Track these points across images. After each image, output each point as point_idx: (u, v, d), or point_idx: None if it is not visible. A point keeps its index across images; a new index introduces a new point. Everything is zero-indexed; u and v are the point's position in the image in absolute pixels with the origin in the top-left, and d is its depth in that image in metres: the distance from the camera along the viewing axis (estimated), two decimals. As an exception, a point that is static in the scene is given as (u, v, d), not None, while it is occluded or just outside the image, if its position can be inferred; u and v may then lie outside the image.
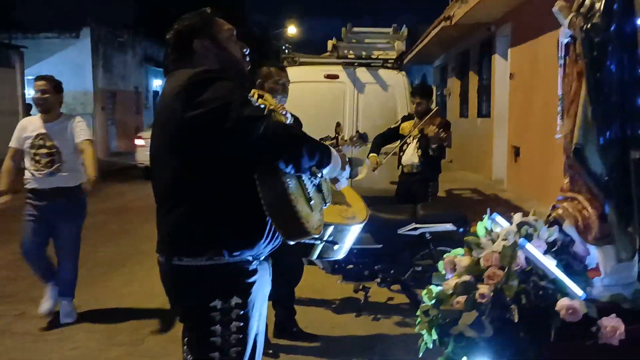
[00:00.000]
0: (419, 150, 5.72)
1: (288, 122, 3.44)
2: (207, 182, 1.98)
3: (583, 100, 2.32)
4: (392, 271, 4.69)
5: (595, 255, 2.38)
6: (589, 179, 2.35)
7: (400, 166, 5.94)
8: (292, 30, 30.38)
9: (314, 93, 6.54)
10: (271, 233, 2.08)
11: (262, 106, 2.90)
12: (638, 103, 2.27)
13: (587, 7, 2.31)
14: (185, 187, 2.01)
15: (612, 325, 2.11)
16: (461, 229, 4.53)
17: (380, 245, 4.61)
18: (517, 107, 10.44)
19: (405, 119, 5.94)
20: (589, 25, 2.27)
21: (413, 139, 5.78)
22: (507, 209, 9.02)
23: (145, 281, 5.63)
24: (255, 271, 2.10)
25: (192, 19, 2.18)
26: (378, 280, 4.71)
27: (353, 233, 2.82)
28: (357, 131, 3.12)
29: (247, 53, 2.27)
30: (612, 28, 2.23)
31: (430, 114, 5.67)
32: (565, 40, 2.45)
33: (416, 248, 4.70)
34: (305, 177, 2.10)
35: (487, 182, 11.89)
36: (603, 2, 2.23)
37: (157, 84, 26.21)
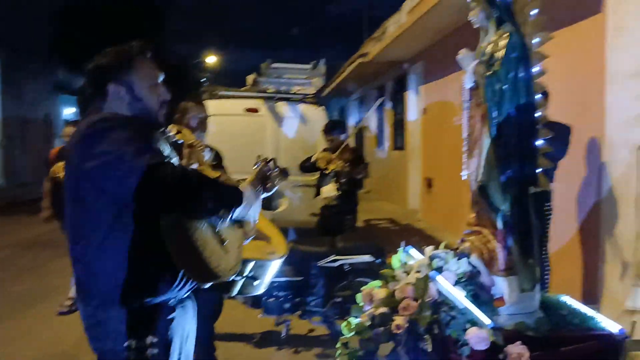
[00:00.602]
0: (337, 184, 5.84)
1: (206, 158, 3.45)
2: (110, 231, 1.93)
3: (486, 141, 2.51)
4: (312, 303, 4.74)
5: (500, 286, 2.54)
6: (493, 214, 2.53)
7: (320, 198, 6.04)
8: (211, 60, 30.20)
9: (234, 126, 6.57)
10: (185, 277, 2.05)
11: (180, 142, 2.90)
12: (534, 144, 2.48)
13: (488, 55, 2.52)
14: (89, 235, 1.95)
15: (518, 352, 2.26)
16: (379, 260, 4.67)
17: (301, 278, 4.65)
18: (429, 141, 10.93)
19: (325, 151, 6.08)
20: (490, 73, 2.48)
21: (329, 174, 5.90)
22: (421, 238, 9.35)
23: (56, 322, 5.35)
24: (172, 309, 2.08)
25: (114, 57, 2.09)
26: (299, 312, 4.74)
27: (273, 268, 2.85)
28: (278, 166, 3.15)
29: (165, 102, 2.19)
30: (511, 75, 2.44)
31: (340, 149, 5.84)
32: (469, 85, 2.65)
33: (336, 280, 4.78)
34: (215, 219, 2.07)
35: (403, 212, 12.28)
36: (502, 51, 2.44)
37: (68, 112, 25.20)
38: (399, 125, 13.56)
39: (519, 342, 2.30)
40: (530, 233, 2.53)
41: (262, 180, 2.31)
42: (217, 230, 2.03)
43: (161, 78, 2.20)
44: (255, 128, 6.84)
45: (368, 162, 5.99)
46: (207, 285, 2.06)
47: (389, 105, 14.50)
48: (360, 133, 19.13)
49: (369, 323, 2.57)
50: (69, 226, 2.03)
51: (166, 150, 2.13)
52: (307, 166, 6.01)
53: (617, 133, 4.56)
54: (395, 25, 12.14)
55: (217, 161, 3.86)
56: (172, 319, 2.07)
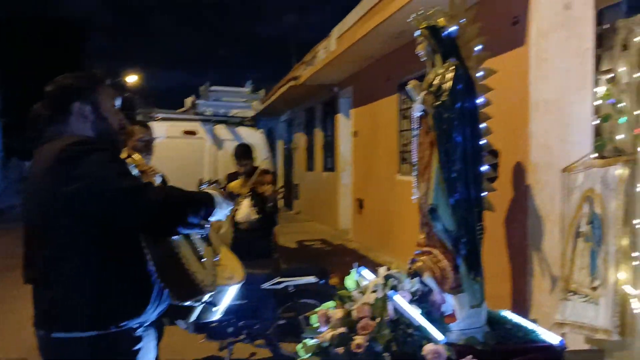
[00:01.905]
0: (255, 207, 5.78)
1: (157, 182, 3.43)
2: (88, 255, 1.92)
3: (435, 166, 2.67)
4: (256, 326, 4.73)
5: (450, 303, 2.69)
6: (442, 234, 2.68)
7: (235, 224, 5.87)
8: (132, 78, 29.46)
9: (172, 149, 6.50)
10: (159, 297, 2.06)
11: (132, 166, 2.89)
12: (480, 170, 2.66)
13: (436, 86, 2.70)
14: (65, 261, 1.92)
15: (469, 365, 2.40)
16: (322, 281, 4.74)
17: (245, 301, 4.64)
18: (360, 163, 11.21)
19: (231, 177, 6.01)
20: (438, 103, 2.65)
21: (245, 198, 5.81)
22: (354, 258, 9.53)
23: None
24: (140, 338, 2.06)
25: (79, 79, 2.10)
26: (242, 336, 4.71)
27: (231, 293, 2.86)
28: (224, 188, 3.16)
29: (123, 128, 2.23)
30: (457, 105, 2.63)
31: (257, 172, 5.80)
32: (418, 114, 2.81)
33: (280, 302, 4.80)
34: (193, 234, 2.11)
35: (335, 233, 12.45)
36: (449, 83, 2.62)
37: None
38: (330, 147, 13.80)
39: (470, 356, 2.44)
40: (477, 253, 2.70)
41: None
42: (194, 246, 2.05)
43: (118, 102, 2.22)
44: (194, 151, 6.79)
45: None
46: (186, 303, 2.05)
47: (319, 127, 14.73)
48: (289, 154, 19.26)
49: (327, 344, 2.63)
50: (35, 252, 1.99)
51: (134, 172, 2.15)
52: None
53: (541, 157, 4.90)
54: (325, 50, 12.44)
55: (164, 185, 3.83)
56: (139, 349, 2.05)
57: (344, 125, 12.39)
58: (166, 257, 1.92)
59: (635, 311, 3.03)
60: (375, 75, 9.89)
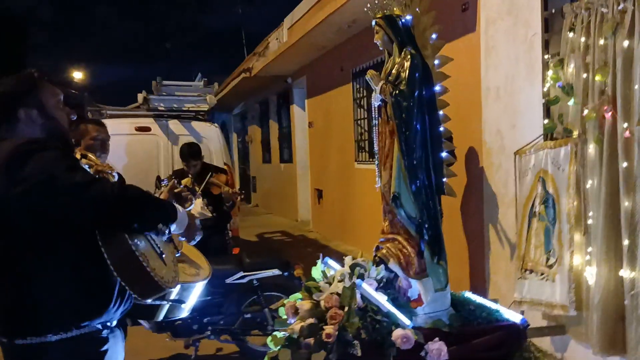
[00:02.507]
0: (209, 206, 5.58)
1: (115, 180, 3.36)
2: (44, 255, 1.88)
3: (396, 154, 2.71)
4: (221, 322, 4.71)
5: (416, 288, 2.75)
6: (406, 221, 2.73)
7: None
8: (77, 75, 28.61)
9: (125, 146, 6.34)
10: (120, 296, 2.03)
11: (87, 167, 2.82)
12: (439, 156, 2.72)
13: (394, 75, 2.73)
14: (21, 263, 1.88)
15: (437, 348, 2.47)
16: (286, 273, 4.75)
17: (209, 297, 4.61)
18: (317, 153, 11.23)
19: (177, 174, 5.65)
20: (397, 92, 2.69)
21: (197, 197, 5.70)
22: (315, 248, 9.57)
23: None
24: (106, 340, 2.03)
25: (17, 83, 2.03)
26: (208, 332, 4.68)
27: (198, 289, 2.85)
28: (186, 185, 3.10)
29: (73, 119, 2.18)
30: (416, 94, 2.67)
31: (210, 174, 5.60)
32: (377, 104, 2.84)
33: (244, 296, 4.79)
34: (152, 233, 2.07)
35: (294, 224, 12.47)
36: (407, 72, 2.66)
37: None
38: (286, 139, 13.77)
39: (437, 339, 2.51)
40: (440, 237, 2.76)
41: (177, 199, 2.31)
42: (153, 243, 2.02)
43: (61, 95, 2.15)
44: (149, 147, 6.65)
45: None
46: (148, 301, 2.03)
47: (274, 119, 14.68)
48: (245, 147, 19.14)
49: (297, 335, 2.64)
50: None
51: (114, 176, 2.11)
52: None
53: (493, 142, 5.03)
54: (276, 41, 12.36)
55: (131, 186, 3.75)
56: (105, 351, 2.02)
57: (299, 116, 12.38)
58: (123, 255, 1.87)
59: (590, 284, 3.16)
60: (328, 65, 9.91)
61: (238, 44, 19.06)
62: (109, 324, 2.04)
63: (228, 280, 4.67)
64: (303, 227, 11.96)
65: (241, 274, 4.70)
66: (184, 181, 5.52)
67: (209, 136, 6.90)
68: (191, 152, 5.68)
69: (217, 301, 4.69)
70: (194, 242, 2.28)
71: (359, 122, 8.76)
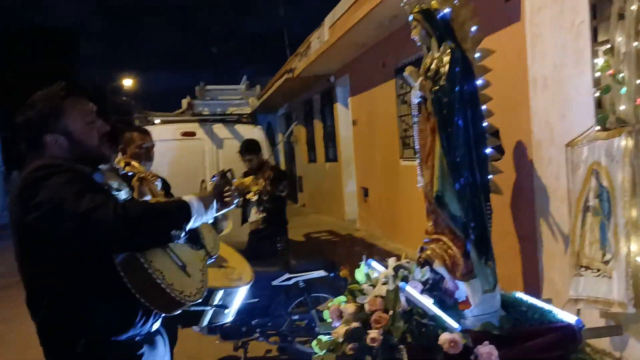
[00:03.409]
0: (260, 206, 5.58)
1: (158, 188, 3.40)
2: (64, 280, 1.89)
3: (438, 152, 2.63)
4: (269, 324, 4.72)
5: (463, 290, 2.66)
6: (450, 221, 2.65)
7: (246, 224, 5.75)
8: (127, 82, 29.36)
9: (171, 152, 6.46)
10: (147, 311, 2.01)
11: (131, 174, 2.80)
12: (484, 153, 2.62)
13: (433, 71, 2.65)
14: (41, 288, 1.92)
15: (487, 352, 2.38)
16: (332, 274, 4.73)
17: (256, 300, 4.63)
18: (362, 151, 11.15)
19: (247, 174, 5.70)
20: (437, 88, 2.60)
21: (253, 196, 5.53)
22: (363, 247, 9.51)
23: None
24: (140, 345, 2.03)
25: (43, 106, 1.99)
26: (256, 334, 4.70)
27: (241, 294, 2.85)
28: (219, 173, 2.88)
29: (105, 135, 2.16)
30: (457, 89, 2.58)
31: (258, 170, 5.55)
32: (417, 101, 2.76)
33: (291, 298, 4.79)
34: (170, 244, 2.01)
35: (341, 223, 12.43)
36: (447, 67, 2.58)
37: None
38: (330, 138, 13.74)
39: (487, 342, 2.42)
40: (487, 237, 2.67)
41: (219, 194, 2.19)
42: (174, 255, 1.98)
43: (94, 110, 2.12)
44: (194, 152, 6.76)
45: (286, 178, 5.64)
46: (175, 313, 2.00)
47: (318, 118, 14.67)
48: (290, 147, 19.22)
49: (341, 339, 2.60)
50: (23, 280, 1.98)
51: (114, 183, 2.09)
52: None
53: (543, 134, 4.85)
54: (318, 40, 12.35)
55: (166, 190, 3.80)
56: (141, 355, 2.02)
57: (343, 114, 12.33)
58: (138, 275, 1.85)
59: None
60: (370, 62, 9.81)
61: (281, 45, 19.19)
62: (138, 338, 2.03)
63: (274, 283, 4.69)
64: (350, 226, 11.91)
65: (287, 275, 4.70)
66: (245, 180, 5.51)
67: (253, 138, 6.94)
68: (246, 146, 5.68)
69: (264, 303, 4.71)
70: (234, 206, 2.21)
71: (403, 118, 8.64)
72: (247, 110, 7.05)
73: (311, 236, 11.32)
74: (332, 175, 13.38)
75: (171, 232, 1.92)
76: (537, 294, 4.86)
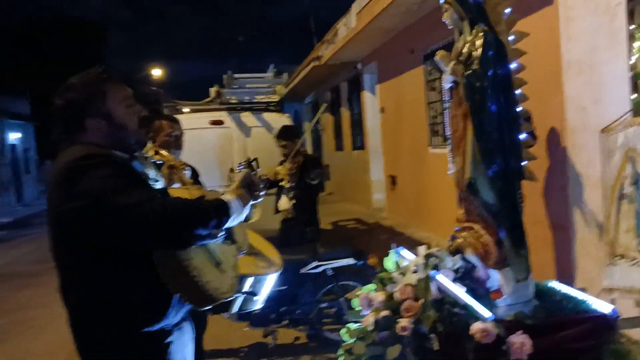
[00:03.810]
0: (290, 193, 5.53)
1: (187, 176, 3.41)
2: (99, 270, 1.88)
3: (470, 138, 2.57)
4: (298, 311, 4.74)
5: (495, 278, 2.61)
6: (482, 209, 2.59)
7: (278, 212, 5.73)
8: (156, 72, 29.63)
9: (200, 140, 6.50)
10: (179, 303, 2.00)
11: (160, 162, 2.79)
12: (517, 138, 2.56)
13: (465, 55, 2.59)
14: (78, 276, 1.91)
15: (520, 342, 2.33)
16: (360, 262, 4.71)
17: (285, 287, 4.64)
18: (390, 139, 11.06)
19: (282, 163, 5.73)
20: (469, 72, 2.54)
21: (286, 183, 5.56)
22: (391, 235, 9.46)
23: (33, 356, 5.18)
24: (169, 332, 2.03)
25: (85, 90, 1.98)
26: (285, 322, 4.73)
27: (270, 282, 2.85)
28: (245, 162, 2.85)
29: (143, 119, 2.17)
30: (490, 73, 2.52)
31: (291, 154, 5.50)
32: (449, 85, 2.71)
33: (320, 285, 4.79)
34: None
35: (368, 211, 12.39)
36: (479, 50, 2.51)
37: (14, 137, 24.34)
38: (357, 125, 13.67)
39: (520, 332, 2.37)
40: (520, 224, 2.61)
41: (249, 187, 2.16)
42: (210, 252, 2.00)
43: (132, 94, 2.12)
44: (222, 140, 6.78)
45: (323, 166, 5.58)
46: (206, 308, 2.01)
47: (345, 106, 14.59)
48: (317, 136, 19.19)
49: (371, 327, 2.59)
50: (57, 267, 1.98)
51: (151, 173, 2.09)
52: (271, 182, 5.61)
53: (576, 120, 4.73)
54: (345, 27, 12.25)
55: (195, 178, 3.82)
56: (169, 343, 2.03)
57: (370, 101, 12.24)
58: (176, 272, 1.85)
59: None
60: (398, 49, 9.69)
61: (307, 33, 19.08)
62: (167, 327, 2.02)
63: (303, 270, 4.69)
64: (377, 214, 11.86)
65: (315, 263, 4.70)
66: (278, 168, 5.46)
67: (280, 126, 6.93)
68: (282, 132, 5.62)
69: (293, 291, 4.72)
70: (261, 198, 2.19)
71: (431, 105, 8.53)
72: (275, 98, 7.03)
73: (338, 224, 11.31)
74: (358, 163, 13.32)
75: (210, 232, 1.90)
76: (570, 283, 4.76)
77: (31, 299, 7.16)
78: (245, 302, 2.73)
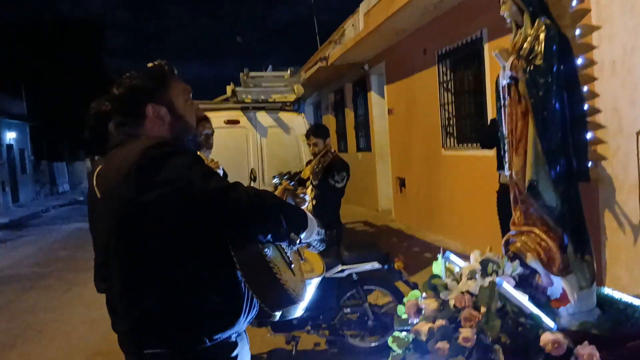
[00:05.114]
0: (312, 192, 5.33)
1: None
2: (175, 265, 1.76)
3: (532, 138, 2.43)
4: (320, 317, 4.58)
5: (557, 286, 2.47)
6: (544, 211, 2.45)
7: None
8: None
9: (216, 140, 6.33)
10: (249, 306, 1.91)
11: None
12: (583, 137, 2.42)
13: (526, 50, 2.44)
14: (151, 273, 1.77)
15: (589, 353, 2.18)
16: (386, 267, 4.56)
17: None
18: (398, 141, 10.93)
19: (310, 162, 5.65)
20: (532, 67, 2.40)
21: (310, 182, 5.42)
22: (401, 238, 9.32)
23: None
24: (235, 345, 1.92)
25: (148, 78, 1.92)
26: (308, 327, 4.57)
27: (313, 287, 2.70)
28: (280, 176, 2.83)
29: (201, 119, 2.10)
30: (554, 69, 2.37)
31: (318, 155, 5.37)
32: (506, 82, 2.56)
33: (343, 290, 4.64)
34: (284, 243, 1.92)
35: (375, 214, 12.24)
36: (543, 45, 2.37)
37: (10, 136, 24.09)
38: (363, 127, 13.52)
39: (586, 343, 2.23)
40: (584, 228, 2.47)
41: (294, 197, 2.17)
42: (282, 253, 1.89)
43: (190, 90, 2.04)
44: (238, 140, 6.63)
45: (346, 170, 5.39)
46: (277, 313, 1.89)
47: (350, 107, 14.45)
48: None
49: (424, 337, 2.44)
50: (115, 270, 1.84)
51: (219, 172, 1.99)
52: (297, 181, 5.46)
53: (610, 121, 4.60)
54: (353, 28, 12.12)
55: (226, 178, 3.66)
56: (235, 356, 1.91)
57: (378, 103, 12.10)
58: (255, 265, 1.75)
59: None
60: (409, 49, 9.56)
61: (308, 33, 18.95)
62: (234, 336, 1.92)
63: (327, 275, 4.52)
64: (384, 216, 11.72)
65: (340, 267, 4.55)
66: (307, 170, 5.29)
67: (297, 126, 6.79)
68: (313, 129, 5.50)
69: (316, 295, 4.56)
70: (321, 249, 2.13)
71: (445, 106, 8.40)
72: (292, 97, 6.89)
73: (347, 226, 11.16)
74: (364, 165, 13.18)
75: (292, 232, 1.83)
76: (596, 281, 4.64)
77: (38, 302, 6.97)
78: (287, 310, 2.58)
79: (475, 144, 7.34)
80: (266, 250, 1.79)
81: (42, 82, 29.67)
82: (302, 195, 2.40)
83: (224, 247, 1.77)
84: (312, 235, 2.01)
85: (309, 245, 2.14)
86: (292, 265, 1.94)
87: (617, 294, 2.70)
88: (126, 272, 1.82)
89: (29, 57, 29.70)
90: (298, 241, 1.90)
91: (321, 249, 2.13)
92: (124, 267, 1.82)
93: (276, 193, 2.37)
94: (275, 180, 2.92)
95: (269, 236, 1.78)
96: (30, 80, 27.45)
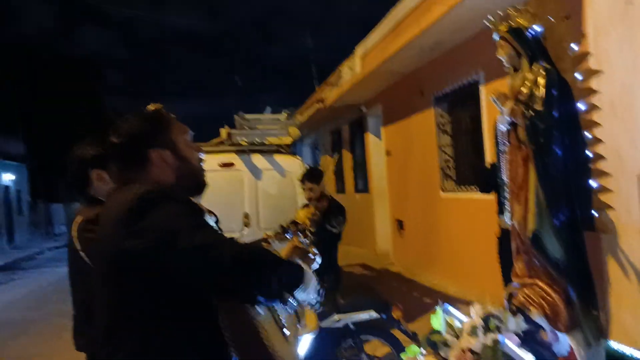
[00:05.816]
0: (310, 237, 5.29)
1: (211, 224, 3.14)
2: (154, 321, 1.64)
3: (534, 185, 2.33)
4: (317, 368, 4.38)
5: (563, 343, 2.33)
6: (548, 263, 2.33)
7: None
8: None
9: (210, 183, 6.23)
10: None
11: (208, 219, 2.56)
12: (587, 184, 2.32)
13: (526, 95, 2.37)
14: (131, 328, 1.65)
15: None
16: (384, 316, 4.38)
17: (303, 342, 4.30)
18: (396, 182, 10.83)
19: (306, 206, 5.60)
20: (532, 113, 2.32)
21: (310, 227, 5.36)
22: (400, 283, 9.12)
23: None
24: None
25: (148, 122, 1.83)
26: (303, 379, 4.36)
27: (305, 343, 2.56)
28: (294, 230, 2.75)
29: (202, 157, 1.98)
30: (555, 114, 2.29)
31: (314, 200, 5.20)
32: (505, 128, 2.48)
33: (339, 340, 4.45)
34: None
35: (373, 256, 12.03)
36: (542, 90, 2.29)
37: (7, 178, 24.02)
38: (360, 168, 13.45)
39: (597, 405, 2.07)
40: (590, 281, 2.34)
41: (303, 256, 1.99)
42: (276, 317, 1.75)
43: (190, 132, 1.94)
44: (233, 183, 6.52)
45: (342, 215, 5.26)
46: None
47: (347, 148, 14.42)
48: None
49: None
50: (101, 321, 1.72)
51: (207, 217, 1.87)
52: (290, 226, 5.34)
53: (609, 163, 4.52)
54: (350, 70, 12.19)
55: (218, 226, 3.54)
56: None
57: (375, 144, 12.05)
58: (244, 329, 1.65)
59: None
60: (406, 91, 9.57)
61: (305, 75, 19.14)
62: None
63: (323, 325, 4.35)
64: (383, 259, 11.52)
65: (335, 316, 4.37)
66: (300, 215, 5.16)
67: (293, 169, 6.69)
68: (308, 174, 5.37)
69: (311, 348, 4.38)
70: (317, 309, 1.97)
71: (443, 148, 8.33)
72: (288, 140, 6.82)
73: (345, 269, 10.95)
74: (362, 206, 13.04)
75: (283, 292, 1.65)
76: (604, 336, 4.46)
77: (28, 347, 6.76)
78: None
79: (474, 187, 7.25)
80: (258, 312, 1.67)
81: (40, 121, 29.82)
82: (311, 256, 2.17)
83: (209, 307, 1.66)
84: (310, 294, 1.80)
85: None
86: (284, 330, 1.80)
87: (626, 349, 2.55)
88: (108, 325, 1.70)
89: (27, 97, 29.92)
90: (293, 301, 1.75)
91: (317, 309, 1.97)
92: (103, 321, 1.70)
93: (285, 249, 2.21)
94: (289, 235, 2.78)
95: (258, 297, 1.64)
96: (28, 120, 27.57)
